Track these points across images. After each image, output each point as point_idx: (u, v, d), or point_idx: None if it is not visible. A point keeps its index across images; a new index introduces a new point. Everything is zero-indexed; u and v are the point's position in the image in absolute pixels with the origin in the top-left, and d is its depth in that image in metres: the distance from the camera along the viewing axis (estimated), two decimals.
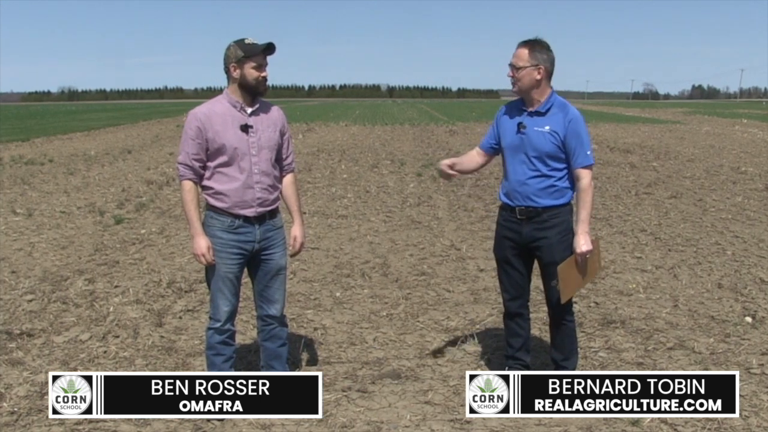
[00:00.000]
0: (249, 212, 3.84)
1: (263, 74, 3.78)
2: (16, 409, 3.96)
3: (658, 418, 3.84)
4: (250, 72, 3.74)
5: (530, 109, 3.95)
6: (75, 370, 4.51)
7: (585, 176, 3.91)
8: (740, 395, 4.07)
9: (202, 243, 3.77)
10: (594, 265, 4.07)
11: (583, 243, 3.89)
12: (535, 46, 3.88)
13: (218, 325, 3.91)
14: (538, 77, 3.87)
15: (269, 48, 3.78)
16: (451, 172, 4.09)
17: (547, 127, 3.88)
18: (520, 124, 3.95)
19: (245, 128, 3.79)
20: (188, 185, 3.79)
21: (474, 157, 4.24)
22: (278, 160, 3.99)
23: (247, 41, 3.75)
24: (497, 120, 4.14)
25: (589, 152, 3.91)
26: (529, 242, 4.03)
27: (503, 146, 4.05)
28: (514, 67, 3.89)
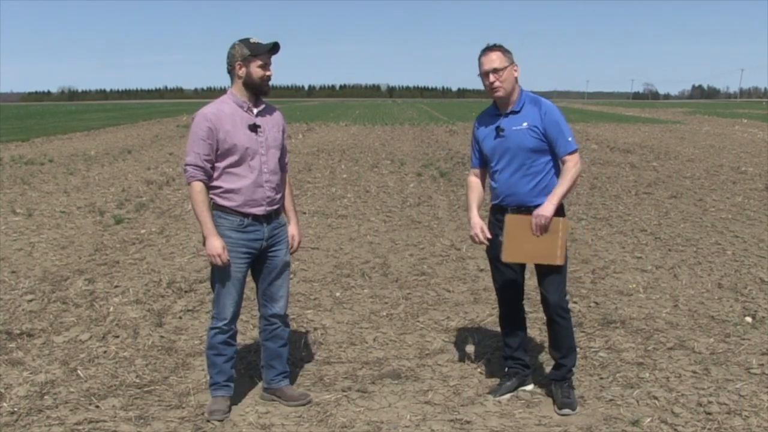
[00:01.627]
0: (258, 211, 3.85)
1: (268, 73, 3.80)
2: (16, 409, 3.96)
3: (658, 418, 3.85)
4: (256, 71, 3.76)
5: (506, 111, 3.98)
6: (75, 370, 4.51)
7: (570, 160, 3.92)
8: (740, 395, 4.09)
9: (217, 243, 3.75)
10: (552, 246, 3.91)
11: (544, 209, 3.86)
12: (501, 48, 3.94)
13: (222, 324, 3.90)
14: (516, 74, 3.94)
15: (275, 47, 3.79)
16: (487, 235, 4.10)
17: (525, 124, 3.91)
18: (498, 128, 3.98)
19: (254, 128, 3.82)
20: (199, 186, 3.77)
21: (477, 183, 4.24)
22: (281, 159, 4.01)
23: (252, 40, 3.76)
24: (474, 134, 4.17)
25: (570, 139, 3.93)
26: None
27: (486, 153, 4.08)
28: (495, 71, 3.88)
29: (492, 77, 3.90)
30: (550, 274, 4.04)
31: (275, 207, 3.94)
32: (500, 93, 3.92)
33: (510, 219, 3.93)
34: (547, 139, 3.91)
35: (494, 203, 4.15)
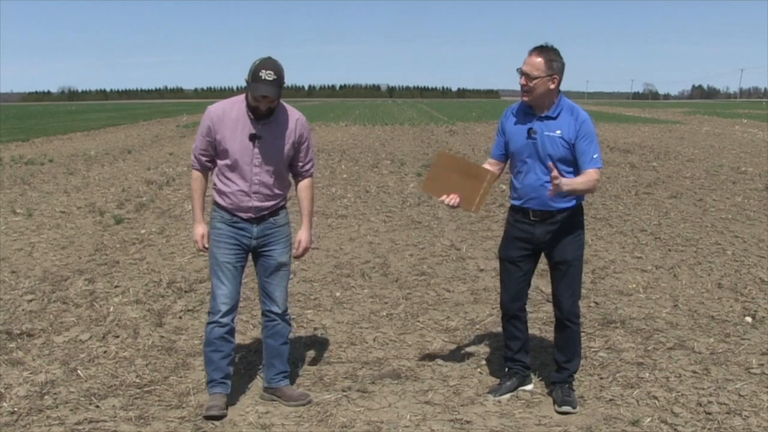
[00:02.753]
0: (244, 216, 3.91)
1: (260, 106, 3.75)
2: (16, 409, 3.96)
3: (658, 418, 3.85)
4: (250, 97, 3.78)
5: (540, 114, 3.90)
6: (75, 370, 4.51)
7: (593, 173, 3.86)
8: (740, 395, 4.09)
9: (198, 230, 3.98)
10: (474, 191, 3.86)
11: (563, 181, 3.69)
12: (550, 54, 3.80)
13: (217, 317, 3.91)
14: (552, 87, 3.82)
15: (264, 96, 3.69)
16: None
17: (558, 132, 3.84)
18: (530, 130, 3.90)
19: (253, 138, 3.80)
20: (195, 174, 3.99)
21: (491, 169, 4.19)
22: (291, 167, 4.01)
23: (261, 73, 3.64)
24: (503, 126, 4.09)
25: (595, 156, 3.86)
26: (541, 242, 4.01)
27: (512, 151, 4.00)
28: (528, 76, 3.80)
29: (523, 80, 3.83)
30: (567, 278, 4.03)
31: (266, 212, 3.94)
32: (526, 98, 3.87)
33: (441, 155, 4.00)
34: (575, 151, 3.85)
35: (515, 204, 4.07)
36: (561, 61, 3.85)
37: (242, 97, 3.87)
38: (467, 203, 3.91)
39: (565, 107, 3.90)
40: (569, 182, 3.76)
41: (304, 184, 4.10)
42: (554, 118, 3.87)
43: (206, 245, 3.95)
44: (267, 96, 3.69)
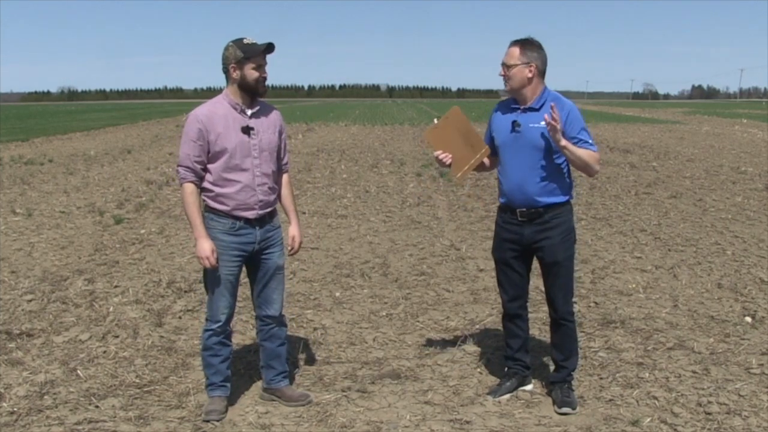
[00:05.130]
0: (250, 214, 3.82)
1: (263, 75, 3.77)
2: (16, 409, 3.96)
3: (658, 418, 3.85)
4: (251, 73, 3.73)
5: (523, 106, 3.93)
6: (75, 370, 4.51)
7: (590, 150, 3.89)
8: (740, 395, 4.09)
9: (206, 246, 3.73)
10: (464, 160, 3.98)
11: (561, 137, 3.75)
12: (526, 44, 3.88)
13: (216, 326, 3.90)
14: (530, 75, 3.86)
15: (269, 48, 3.76)
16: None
17: (543, 123, 3.84)
18: (514, 122, 3.93)
19: (246, 130, 3.77)
20: (190, 188, 3.76)
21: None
22: (277, 161, 3.98)
23: (245, 41, 3.72)
24: (490, 121, 4.14)
25: (590, 141, 3.90)
26: (531, 243, 4.01)
27: (498, 145, 4.03)
28: (505, 66, 3.89)
29: (503, 70, 3.90)
30: (559, 279, 4.03)
31: (268, 210, 3.91)
32: (506, 87, 3.93)
33: (455, 110, 4.06)
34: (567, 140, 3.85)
35: (502, 202, 4.07)
36: (540, 52, 3.90)
37: (220, 97, 3.84)
38: (455, 168, 4.03)
39: (549, 99, 3.91)
40: (567, 143, 3.78)
41: (285, 180, 4.09)
42: (537, 110, 3.89)
43: (216, 260, 3.75)
44: (269, 49, 3.72)
